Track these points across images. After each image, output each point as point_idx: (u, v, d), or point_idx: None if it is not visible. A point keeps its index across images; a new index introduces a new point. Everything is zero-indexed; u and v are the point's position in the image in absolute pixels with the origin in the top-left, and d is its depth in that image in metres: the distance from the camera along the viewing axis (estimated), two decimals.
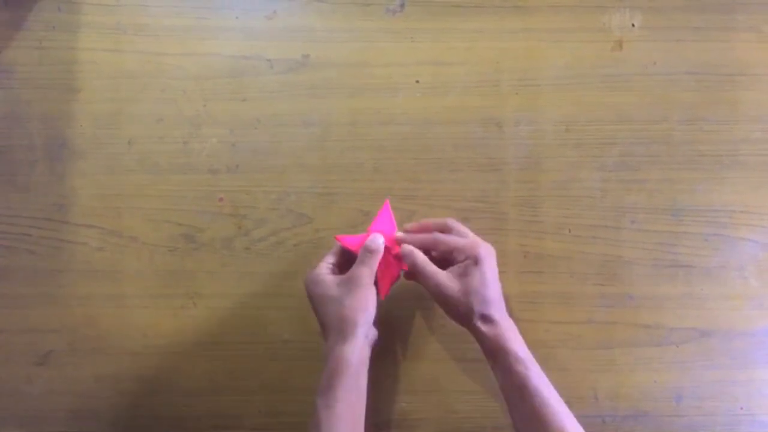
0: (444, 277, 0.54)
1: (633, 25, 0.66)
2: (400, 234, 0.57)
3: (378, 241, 0.56)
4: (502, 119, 0.66)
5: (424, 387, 0.64)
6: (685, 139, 0.66)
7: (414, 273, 0.55)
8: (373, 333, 0.56)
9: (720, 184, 0.65)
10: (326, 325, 0.53)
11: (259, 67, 0.66)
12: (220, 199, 0.65)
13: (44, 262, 0.65)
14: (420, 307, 0.65)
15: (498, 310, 0.54)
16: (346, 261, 0.58)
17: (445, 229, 0.57)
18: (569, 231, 0.65)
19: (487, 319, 0.53)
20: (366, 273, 0.54)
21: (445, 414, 0.64)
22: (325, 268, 0.56)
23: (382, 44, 0.66)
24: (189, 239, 0.65)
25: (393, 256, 0.57)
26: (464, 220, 0.63)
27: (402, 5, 0.67)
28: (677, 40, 0.66)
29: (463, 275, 0.53)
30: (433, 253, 0.57)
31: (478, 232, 0.57)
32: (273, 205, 0.65)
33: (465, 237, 0.56)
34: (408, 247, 0.56)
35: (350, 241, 0.58)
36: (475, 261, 0.53)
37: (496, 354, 0.52)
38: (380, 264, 0.56)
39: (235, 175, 0.65)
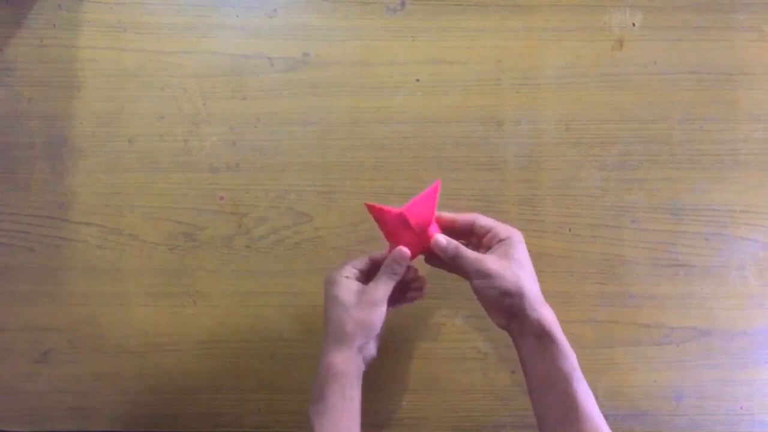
0: (489, 259, 0.51)
1: (633, 25, 0.67)
2: (441, 213, 0.55)
3: (406, 256, 0.53)
4: (502, 118, 0.66)
5: (424, 386, 0.64)
6: (685, 138, 0.66)
7: (454, 262, 0.52)
8: (372, 350, 0.54)
9: (720, 184, 0.65)
10: (327, 327, 0.53)
11: (260, 65, 0.66)
12: (221, 198, 0.65)
13: (44, 260, 0.65)
14: (420, 306, 0.64)
15: (540, 294, 0.52)
16: (374, 269, 0.55)
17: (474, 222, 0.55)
18: (569, 230, 0.65)
19: (538, 300, 0.51)
20: (383, 291, 0.52)
21: (445, 413, 0.64)
22: (348, 271, 0.53)
23: (382, 43, 0.66)
24: (189, 237, 0.65)
25: (420, 239, 0.54)
26: None
27: (402, 4, 0.67)
28: (678, 40, 0.66)
29: (505, 255, 0.51)
30: (462, 241, 0.55)
31: None
32: (273, 203, 0.65)
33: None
34: (442, 238, 0.53)
35: (379, 212, 0.54)
36: (516, 240, 0.52)
37: (543, 338, 0.50)
38: (405, 242, 0.53)
39: (236, 174, 0.65)
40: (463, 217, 0.55)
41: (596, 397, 0.63)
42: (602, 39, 0.66)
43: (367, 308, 0.51)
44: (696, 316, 0.64)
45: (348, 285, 0.52)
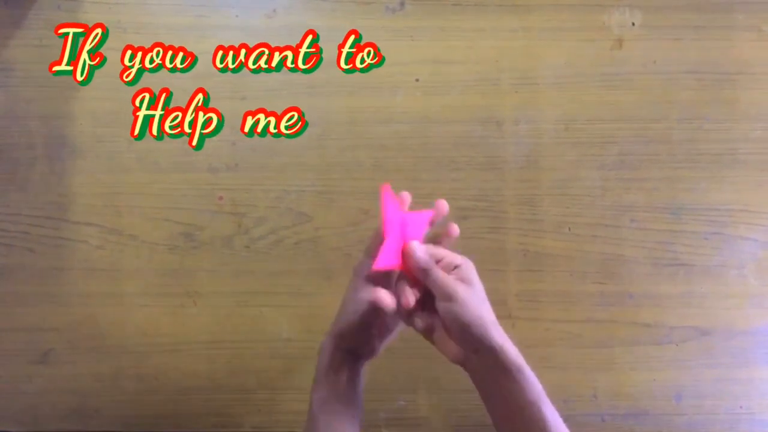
0: (458, 283, 0.48)
1: (633, 24, 0.67)
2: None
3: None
4: (501, 118, 0.66)
5: (424, 386, 0.64)
6: (684, 137, 0.66)
7: (425, 277, 0.49)
8: (377, 348, 0.53)
9: (719, 183, 0.65)
10: (340, 315, 0.50)
11: None
12: (220, 198, 0.65)
13: (44, 260, 0.64)
14: None
15: (497, 329, 0.48)
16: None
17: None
18: (569, 229, 0.65)
19: (500, 331, 0.47)
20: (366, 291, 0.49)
21: (445, 413, 0.64)
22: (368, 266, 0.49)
23: (382, 43, 0.66)
24: (189, 238, 0.65)
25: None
26: (464, 219, 0.63)
27: (402, 4, 0.67)
28: (677, 39, 0.66)
29: (466, 281, 0.48)
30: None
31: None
32: (272, 203, 0.65)
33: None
34: (421, 248, 0.49)
35: (389, 200, 0.50)
36: (470, 268, 0.49)
37: (510, 369, 0.47)
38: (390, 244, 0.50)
39: (235, 174, 0.65)
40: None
41: (596, 396, 0.64)
42: (601, 39, 0.66)
43: (361, 314, 0.49)
44: (695, 316, 0.64)
45: (363, 281, 0.49)
